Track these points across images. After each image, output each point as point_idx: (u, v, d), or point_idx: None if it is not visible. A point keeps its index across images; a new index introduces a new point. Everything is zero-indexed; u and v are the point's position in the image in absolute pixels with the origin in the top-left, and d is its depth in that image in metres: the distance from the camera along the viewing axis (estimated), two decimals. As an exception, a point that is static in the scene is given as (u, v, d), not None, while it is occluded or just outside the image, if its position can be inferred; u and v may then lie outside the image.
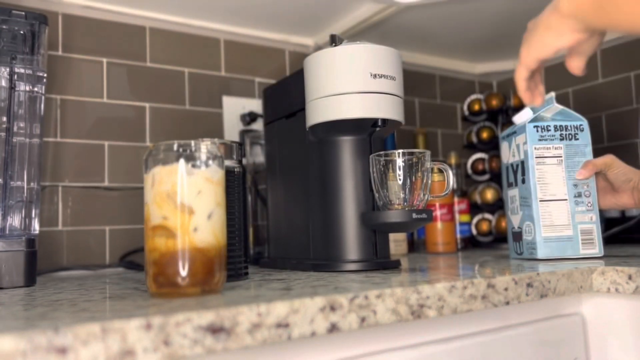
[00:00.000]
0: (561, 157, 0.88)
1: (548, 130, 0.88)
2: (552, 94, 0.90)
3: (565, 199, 0.87)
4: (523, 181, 0.88)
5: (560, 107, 0.91)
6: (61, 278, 0.90)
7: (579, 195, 0.87)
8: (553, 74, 1.58)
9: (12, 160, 0.75)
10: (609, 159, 0.87)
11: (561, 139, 0.88)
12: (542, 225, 0.86)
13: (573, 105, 1.51)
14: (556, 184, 0.87)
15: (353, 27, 1.26)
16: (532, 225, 0.86)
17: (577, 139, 0.89)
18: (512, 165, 0.92)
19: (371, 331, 0.57)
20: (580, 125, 0.89)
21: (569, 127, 0.89)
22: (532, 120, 0.88)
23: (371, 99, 0.78)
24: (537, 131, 0.87)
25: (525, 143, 0.88)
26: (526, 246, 0.88)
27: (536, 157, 0.87)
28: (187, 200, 0.54)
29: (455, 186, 1.35)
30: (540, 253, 0.85)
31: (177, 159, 0.54)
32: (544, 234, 0.85)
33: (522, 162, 0.89)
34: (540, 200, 0.86)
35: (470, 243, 1.40)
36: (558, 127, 0.88)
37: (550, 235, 0.86)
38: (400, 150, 0.78)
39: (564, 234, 0.86)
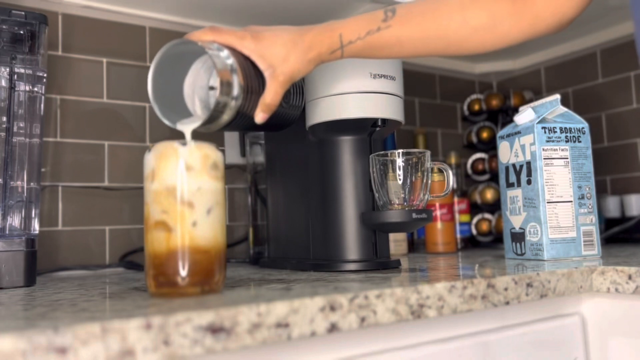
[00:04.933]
0: (567, 158, 0.88)
1: (554, 132, 0.88)
2: (558, 96, 0.90)
3: (571, 201, 0.87)
4: (529, 182, 0.88)
5: (564, 109, 0.91)
6: (61, 278, 0.90)
7: (582, 197, 0.87)
8: (553, 73, 1.58)
9: (12, 160, 0.75)
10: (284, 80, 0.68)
11: (567, 141, 0.88)
12: (549, 227, 0.86)
13: (573, 105, 1.51)
14: (563, 185, 0.87)
15: (353, 27, 1.26)
16: (539, 226, 0.86)
17: (580, 142, 0.89)
18: (514, 165, 0.92)
19: (371, 331, 0.57)
20: (583, 128, 0.89)
21: (573, 130, 0.89)
22: (540, 122, 0.88)
23: (371, 99, 0.78)
24: (545, 132, 0.87)
25: (532, 144, 0.87)
26: (530, 247, 0.88)
27: (544, 159, 0.87)
28: (187, 196, 0.54)
29: (455, 186, 1.35)
30: (547, 254, 0.85)
31: (177, 157, 0.54)
32: (550, 235, 0.85)
33: (528, 163, 0.88)
34: (548, 202, 0.86)
35: (470, 243, 1.40)
36: (563, 129, 0.88)
37: (557, 237, 0.86)
38: (400, 150, 0.78)
39: (568, 236, 0.86)
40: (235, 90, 0.63)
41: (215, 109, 0.62)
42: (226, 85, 0.62)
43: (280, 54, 0.65)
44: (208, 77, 0.67)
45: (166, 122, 0.64)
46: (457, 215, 1.32)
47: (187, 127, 0.63)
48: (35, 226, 0.77)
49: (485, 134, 1.47)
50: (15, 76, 0.76)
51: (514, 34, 0.67)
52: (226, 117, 0.64)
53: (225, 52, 0.63)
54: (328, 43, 0.67)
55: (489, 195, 1.40)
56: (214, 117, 0.63)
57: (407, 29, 0.67)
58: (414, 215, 0.75)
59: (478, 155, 1.47)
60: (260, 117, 0.67)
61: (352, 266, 0.77)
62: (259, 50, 0.65)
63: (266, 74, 0.65)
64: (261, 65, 0.65)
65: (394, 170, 0.77)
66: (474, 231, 1.39)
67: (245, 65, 0.64)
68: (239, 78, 0.63)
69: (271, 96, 0.66)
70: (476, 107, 1.50)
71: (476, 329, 0.65)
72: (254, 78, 0.65)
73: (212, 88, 0.66)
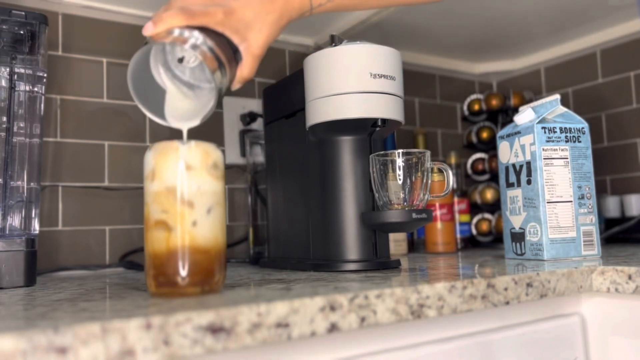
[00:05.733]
0: (567, 158, 0.88)
1: (554, 132, 0.88)
2: (558, 96, 0.90)
3: (571, 201, 0.87)
4: (529, 182, 0.88)
5: (564, 109, 0.91)
6: (61, 278, 0.90)
7: (582, 197, 0.88)
8: (553, 73, 1.58)
9: (12, 160, 0.75)
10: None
11: (566, 141, 0.88)
12: (548, 227, 0.86)
13: (573, 105, 1.51)
14: (562, 185, 0.87)
15: (353, 27, 1.26)
16: (539, 226, 0.86)
17: (580, 142, 0.89)
18: (514, 165, 0.92)
19: (371, 331, 0.57)
20: (582, 128, 0.89)
21: (573, 130, 0.89)
22: (540, 122, 0.88)
23: (371, 99, 0.78)
24: (545, 132, 0.87)
25: (532, 144, 0.87)
26: (530, 247, 0.88)
27: (544, 159, 0.87)
28: (187, 195, 0.54)
29: (455, 186, 1.36)
30: (547, 254, 0.85)
31: (177, 156, 0.54)
32: (550, 235, 0.85)
33: (528, 163, 0.88)
34: (548, 202, 0.86)
35: (470, 243, 1.40)
36: (563, 129, 0.88)
37: (556, 237, 0.86)
38: (400, 150, 0.78)
39: (568, 236, 0.86)
40: (223, 75, 0.62)
41: (213, 103, 0.62)
42: (217, 76, 0.61)
43: (253, 27, 0.65)
44: (163, 42, 0.62)
45: (174, 125, 0.63)
46: (457, 215, 1.32)
47: (184, 125, 0.62)
48: (35, 226, 0.77)
49: (485, 134, 1.47)
50: (15, 76, 0.76)
51: None
52: (216, 101, 0.64)
53: (196, 34, 0.61)
54: (298, 7, 0.68)
55: (489, 195, 1.41)
56: (210, 110, 0.62)
57: None
58: (414, 215, 0.75)
59: (478, 155, 1.47)
60: (237, 87, 0.68)
61: (352, 266, 0.77)
62: (231, 26, 0.64)
63: (241, 48, 0.65)
64: (235, 39, 0.65)
65: (394, 170, 0.77)
66: (474, 231, 1.39)
67: (220, 43, 0.63)
68: (222, 61, 0.62)
69: (248, 70, 0.66)
70: (476, 107, 1.50)
71: (476, 329, 0.65)
72: (230, 54, 0.64)
73: (180, 60, 0.64)
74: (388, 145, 1.22)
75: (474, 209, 1.43)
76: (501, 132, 0.96)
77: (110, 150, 1.12)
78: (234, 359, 0.49)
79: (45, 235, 1.03)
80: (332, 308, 0.49)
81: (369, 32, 1.29)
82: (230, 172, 1.24)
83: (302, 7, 0.68)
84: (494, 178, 1.44)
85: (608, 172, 1.43)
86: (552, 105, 0.90)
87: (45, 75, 0.78)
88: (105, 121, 1.12)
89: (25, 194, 0.75)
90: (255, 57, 0.66)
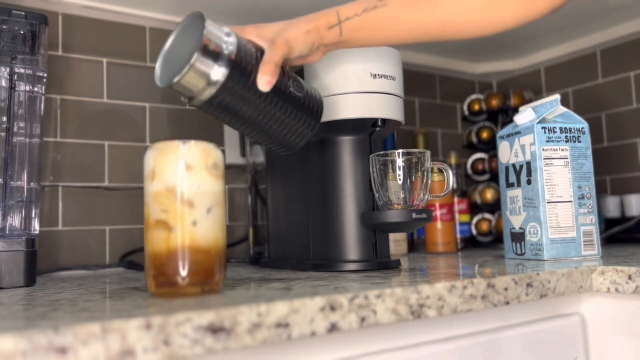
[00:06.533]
0: (567, 158, 0.88)
1: (554, 132, 0.88)
2: (558, 96, 0.90)
3: (571, 201, 0.87)
4: (529, 182, 0.88)
5: (564, 109, 0.91)
6: (61, 278, 0.90)
7: (582, 197, 0.88)
8: (553, 73, 1.58)
9: (12, 160, 0.75)
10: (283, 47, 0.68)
11: (566, 141, 0.88)
12: (548, 227, 0.86)
13: (573, 105, 1.51)
14: (562, 185, 0.87)
15: (353, 27, 1.26)
16: (539, 226, 0.86)
17: (580, 142, 0.89)
18: (514, 165, 0.92)
19: (371, 331, 0.57)
20: (582, 128, 0.89)
21: (573, 130, 0.89)
22: (540, 122, 0.88)
23: (371, 99, 0.78)
24: (545, 132, 0.87)
25: (532, 144, 0.87)
26: (530, 247, 0.88)
27: (544, 159, 0.87)
28: (187, 195, 0.54)
29: (455, 186, 1.36)
30: (547, 254, 0.85)
31: (177, 156, 0.54)
32: (550, 235, 0.85)
33: (528, 163, 0.88)
34: (548, 202, 0.86)
35: (470, 243, 1.40)
36: (563, 129, 0.88)
37: (557, 237, 0.86)
38: (400, 150, 0.78)
39: (568, 236, 0.86)
40: (227, 44, 0.64)
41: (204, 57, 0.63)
42: (216, 39, 0.63)
43: (278, 29, 0.69)
44: (192, 38, 0.67)
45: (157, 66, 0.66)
46: (457, 215, 1.32)
47: (177, 78, 0.63)
48: (35, 226, 0.77)
49: (485, 134, 1.47)
50: (16, 76, 0.76)
51: (509, 20, 0.70)
52: (220, 71, 0.63)
53: (226, 29, 0.66)
54: (326, 18, 0.69)
55: (489, 195, 1.40)
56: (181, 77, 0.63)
57: (403, 10, 0.69)
58: (414, 215, 0.75)
59: (478, 155, 1.47)
60: (263, 81, 0.65)
61: (352, 266, 0.77)
62: (258, 32, 0.69)
63: (265, 46, 0.68)
64: (261, 42, 0.68)
65: (394, 170, 0.77)
66: (474, 231, 1.39)
67: (244, 40, 0.67)
68: (233, 39, 0.65)
69: (269, 55, 0.66)
70: (476, 107, 1.50)
71: (476, 329, 0.65)
72: (252, 54, 0.66)
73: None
74: (388, 145, 1.22)
75: (474, 209, 1.43)
76: (501, 132, 0.96)
77: (110, 151, 1.12)
78: (234, 359, 0.49)
79: (45, 235, 1.03)
80: (332, 308, 0.49)
81: (369, 32, 1.29)
82: (230, 172, 1.24)
83: (329, 18, 0.69)
84: (494, 178, 1.44)
85: (608, 172, 1.43)
86: (552, 105, 0.90)
87: (45, 75, 0.78)
88: (106, 121, 1.12)
89: (25, 194, 0.75)
90: (276, 46, 0.67)
